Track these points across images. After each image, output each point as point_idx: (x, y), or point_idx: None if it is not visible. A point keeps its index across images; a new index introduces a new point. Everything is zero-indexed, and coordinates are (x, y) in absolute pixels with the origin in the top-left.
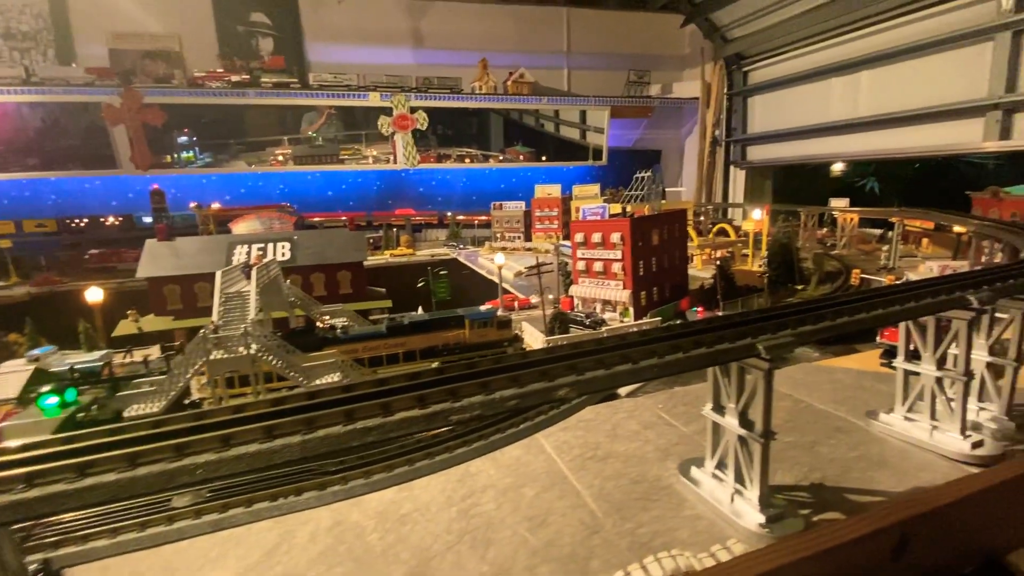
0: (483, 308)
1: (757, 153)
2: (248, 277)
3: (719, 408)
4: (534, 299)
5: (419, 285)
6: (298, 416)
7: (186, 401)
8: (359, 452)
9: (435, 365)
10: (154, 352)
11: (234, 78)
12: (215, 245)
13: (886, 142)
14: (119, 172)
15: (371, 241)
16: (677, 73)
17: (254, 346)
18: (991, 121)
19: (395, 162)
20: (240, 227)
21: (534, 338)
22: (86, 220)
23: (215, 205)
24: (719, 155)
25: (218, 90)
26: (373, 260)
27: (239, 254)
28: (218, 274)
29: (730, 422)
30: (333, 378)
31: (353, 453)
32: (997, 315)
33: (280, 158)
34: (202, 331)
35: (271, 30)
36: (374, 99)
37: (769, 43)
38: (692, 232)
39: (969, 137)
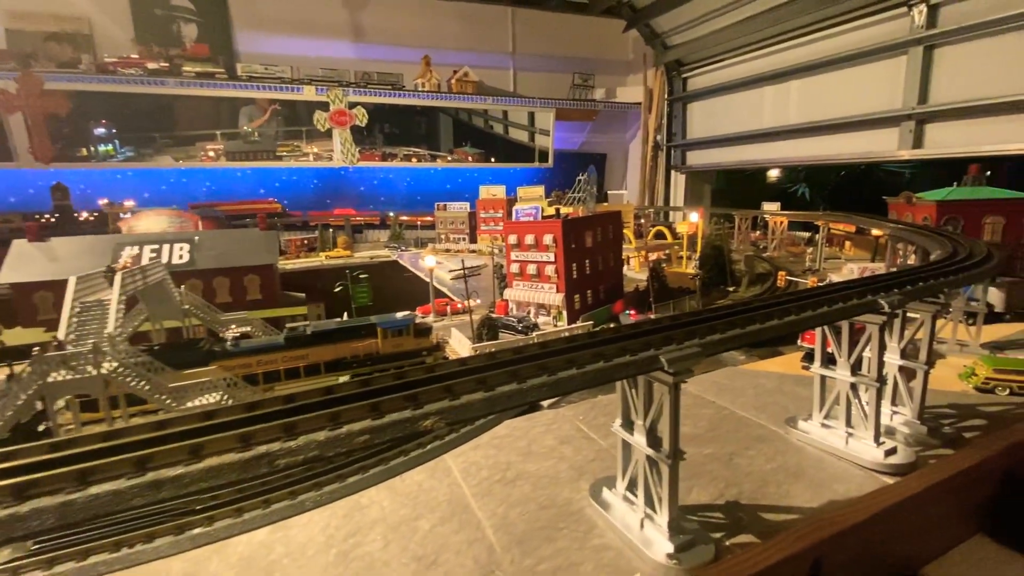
0: (399, 315)
1: (696, 158)
2: (112, 283)
3: (628, 424)
4: (469, 303)
5: (336, 290)
6: (70, 467)
7: (40, 428)
8: (234, 484)
9: (343, 379)
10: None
11: (151, 65)
12: (98, 246)
13: (813, 149)
14: (15, 165)
15: (305, 242)
16: (621, 78)
17: (107, 364)
18: (905, 131)
19: (333, 159)
20: (143, 225)
21: (462, 345)
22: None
23: (128, 203)
24: (661, 159)
25: (133, 78)
26: (307, 262)
27: (127, 256)
28: (71, 280)
29: (638, 440)
30: (210, 399)
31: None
32: (910, 315)
33: (211, 153)
34: (35, 349)
35: (194, 15)
36: (309, 93)
37: (706, 51)
38: (630, 234)
39: (886, 145)
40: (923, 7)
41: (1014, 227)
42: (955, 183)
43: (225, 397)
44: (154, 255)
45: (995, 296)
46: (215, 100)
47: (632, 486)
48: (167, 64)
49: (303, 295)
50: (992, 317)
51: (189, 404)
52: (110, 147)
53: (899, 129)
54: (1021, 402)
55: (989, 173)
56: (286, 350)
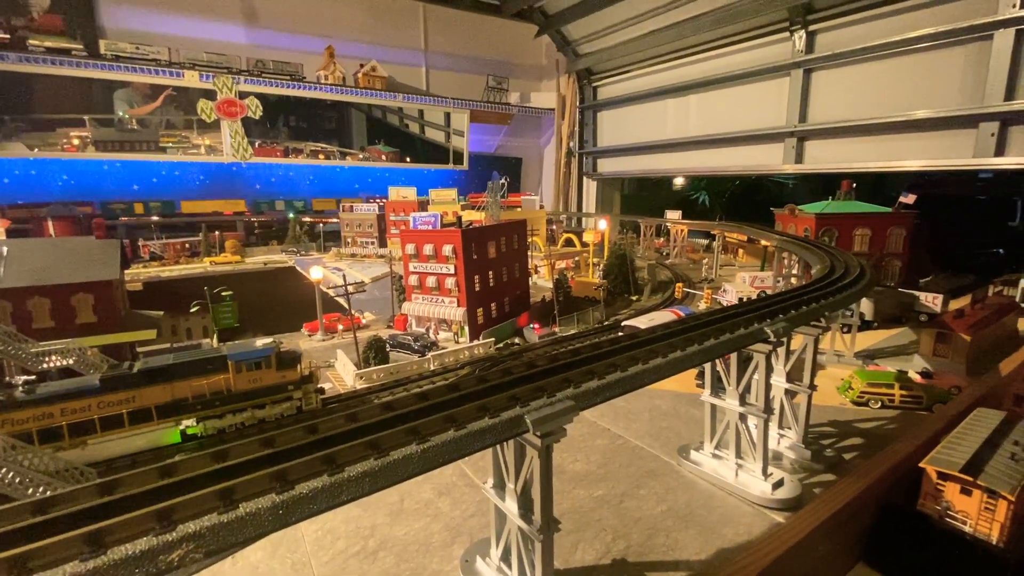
0: (259, 343)
1: (606, 166)
2: None
3: (500, 485)
4: (367, 317)
5: (193, 310)
6: None
7: None
8: None
9: (184, 426)
10: None
11: None
12: None
13: (711, 160)
14: None
15: (187, 246)
16: (535, 83)
17: None
18: (788, 146)
19: (223, 154)
20: None
21: (346, 371)
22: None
23: None
24: (574, 166)
25: None
26: (185, 270)
27: None
28: None
29: (510, 507)
30: None
31: None
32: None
33: (76, 142)
34: None
35: None
36: (191, 79)
37: (614, 61)
38: (540, 241)
39: (773, 159)
40: (802, 32)
41: (879, 239)
42: (830, 197)
43: None
44: None
45: (865, 305)
46: (84, 81)
47: (507, 555)
48: (8, 36)
49: (160, 313)
50: (862, 325)
51: None
52: None
53: (783, 145)
54: (891, 416)
55: (855, 186)
56: (102, 394)
